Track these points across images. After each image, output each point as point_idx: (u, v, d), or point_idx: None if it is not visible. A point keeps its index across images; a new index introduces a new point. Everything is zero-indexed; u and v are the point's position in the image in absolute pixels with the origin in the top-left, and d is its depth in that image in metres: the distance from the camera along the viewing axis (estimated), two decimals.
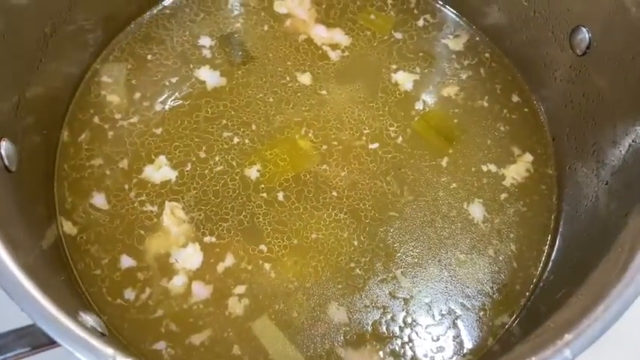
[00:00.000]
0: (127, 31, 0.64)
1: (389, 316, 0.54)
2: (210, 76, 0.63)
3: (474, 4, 0.67)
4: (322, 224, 0.57)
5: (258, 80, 0.63)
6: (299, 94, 0.63)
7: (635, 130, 0.49)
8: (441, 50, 0.67)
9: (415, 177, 0.60)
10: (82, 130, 0.59)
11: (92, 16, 0.60)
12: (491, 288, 0.56)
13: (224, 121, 0.61)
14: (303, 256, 0.56)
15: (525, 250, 0.58)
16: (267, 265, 0.55)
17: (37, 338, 0.38)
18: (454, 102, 0.64)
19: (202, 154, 0.59)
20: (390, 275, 0.56)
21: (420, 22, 0.68)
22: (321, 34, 0.66)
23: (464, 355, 0.54)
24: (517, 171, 0.61)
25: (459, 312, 0.55)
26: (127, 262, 0.54)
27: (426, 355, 0.53)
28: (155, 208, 0.56)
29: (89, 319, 0.44)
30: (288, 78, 0.63)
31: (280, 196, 0.58)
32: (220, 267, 0.55)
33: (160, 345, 0.52)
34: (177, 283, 0.54)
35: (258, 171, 0.59)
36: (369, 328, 0.54)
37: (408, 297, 0.55)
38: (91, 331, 0.37)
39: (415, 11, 0.69)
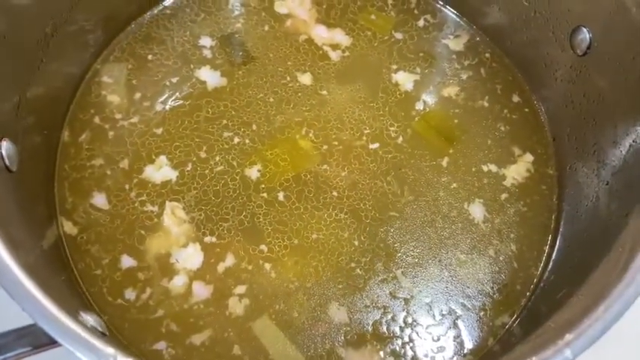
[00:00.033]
0: (128, 32, 0.65)
1: (389, 316, 0.54)
2: (210, 77, 0.63)
3: (475, 4, 0.67)
4: (323, 224, 0.57)
5: (259, 80, 0.63)
6: (299, 94, 0.63)
7: (635, 130, 0.49)
8: (441, 50, 0.67)
9: (416, 177, 0.60)
10: (82, 130, 0.59)
11: (93, 17, 0.60)
12: (492, 288, 0.56)
13: (224, 121, 0.61)
14: (304, 256, 0.56)
15: (526, 250, 0.58)
16: (267, 265, 0.55)
17: (37, 338, 0.38)
18: (454, 102, 0.64)
19: (203, 154, 0.59)
20: (391, 275, 0.56)
21: (421, 23, 0.68)
22: (321, 34, 0.66)
23: (464, 355, 0.54)
24: (517, 171, 0.61)
25: (459, 312, 0.55)
26: (127, 262, 0.54)
27: (426, 355, 0.53)
28: (156, 208, 0.56)
29: (90, 319, 0.44)
30: (288, 78, 0.64)
31: (281, 196, 0.58)
32: (221, 267, 0.55)
33: (161, 345, 0.52)
34: (178, 283, 0.54)
35: (259, 171, 0.59)
36: (370, 328, 0.54)
37: (409, 297, 0.55)
38: (92, 331, 0.37)
39: (415, 11, 0.69)
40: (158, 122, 0.60)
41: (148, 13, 0.65)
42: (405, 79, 0.64)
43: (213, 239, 0.56)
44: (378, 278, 0.55)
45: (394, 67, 0.65)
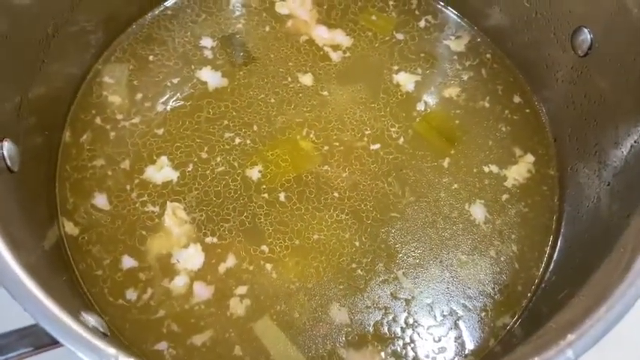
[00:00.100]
0: (129, 32, 0.65)
1: (390, 317, 0.54)
2: (211, 77, 0.63)
3: (476, 5, 0.67)
4: (324, 225, 0.57)
5: (260, 81, 0.63)
6: (300, 94, 0.63)
7: (637, 130, 0.49)
8: (442, 51, 0.67)
9: (417, 178, 0.60)
10: (83, 131, 0.59)
11: (94, 17, 0.60)
12: (493, 289, 0.56)
13: (225, 122, 0.61)
14: (305, 257, 0.56)
15: (527, 251, 0.58)
16: (268, 266, 0.55)
17: (39, 338, 0.38)
18: (456, 103, 0.64)
19: (204, 155, 0.59)
20: (392, 276, 0.56)
21: (422, 23, 0.68)
22: (322, 34, 0.66)
23: (465, 356, 0.54)
24: (519, 172, 0.61)
25: (460, 313, 0.55)
26: (128, 262, 0.54)
27: (427, 356, 0.53)
28: (157, 209, 0.56)
29: (91, 319, 0.44)
30: (289, 79, 0.64)
31: (282, 196, 0.58)
32: (222, 267, 0.55)
33: (162, 345, 0.52)
34: (179, 283, 0.54)
35: (260, 172, 0.59)
36: (371, 329, 0.54)
37: (410, 298, 0.55)
38: (93, 331, 0.37)
39: (417, 12, 0.69)
40: (159, 123, 0.60)
41: (149, 14, 0.66)
42: (406, 80, 0.65)
43: (215, 240, 0.56)
44: (379, 279, 0.55)
45: (395, 67, 0.65)
